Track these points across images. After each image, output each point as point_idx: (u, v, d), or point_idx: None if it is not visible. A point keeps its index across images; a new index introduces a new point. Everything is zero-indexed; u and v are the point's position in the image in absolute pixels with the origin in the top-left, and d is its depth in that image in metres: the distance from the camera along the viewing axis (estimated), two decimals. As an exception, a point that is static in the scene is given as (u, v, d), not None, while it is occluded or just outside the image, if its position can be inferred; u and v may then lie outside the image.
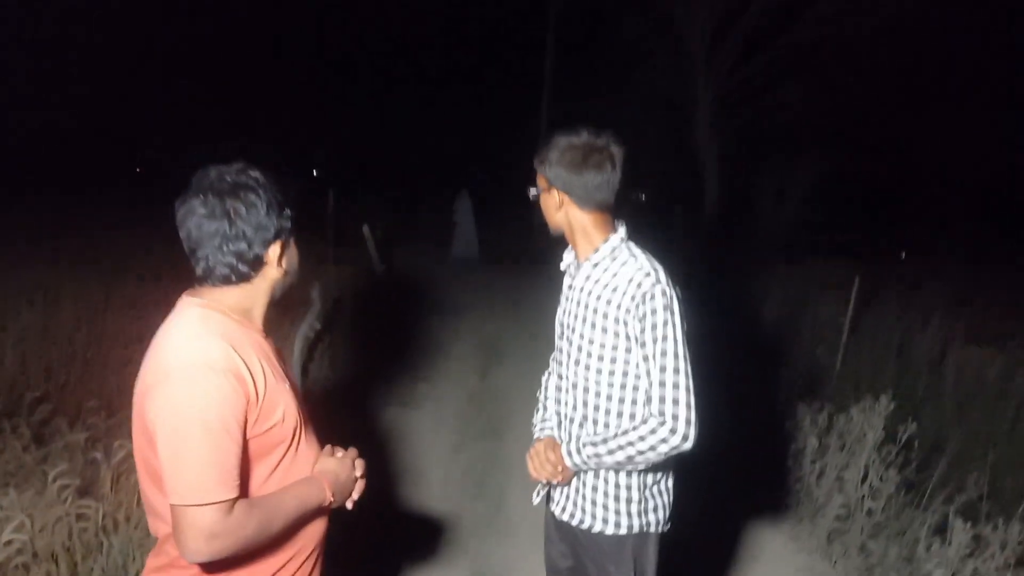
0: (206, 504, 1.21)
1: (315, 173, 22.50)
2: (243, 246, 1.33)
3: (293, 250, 1.45)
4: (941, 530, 2.99)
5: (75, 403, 5.09)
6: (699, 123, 13.80)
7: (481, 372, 6.23)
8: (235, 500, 1.25)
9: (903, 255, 13.75)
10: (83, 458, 3.56)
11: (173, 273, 8.45)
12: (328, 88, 22.21)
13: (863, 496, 3.37)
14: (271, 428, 1.36)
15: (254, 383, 1.31)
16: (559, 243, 1.90)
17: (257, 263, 1.37)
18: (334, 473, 1.48)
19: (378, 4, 21.04)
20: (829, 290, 7.76)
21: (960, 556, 2.66)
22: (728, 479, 3.95)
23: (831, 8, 12.06)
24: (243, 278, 1.38)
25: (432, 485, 3.96)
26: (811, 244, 11.87)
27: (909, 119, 15.74)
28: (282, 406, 1.38)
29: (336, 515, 1.61)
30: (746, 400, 4.72)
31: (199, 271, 1.36)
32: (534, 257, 12.85)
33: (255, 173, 1.36)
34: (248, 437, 1.31)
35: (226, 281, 1.37)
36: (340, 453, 1.56)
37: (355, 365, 5.74)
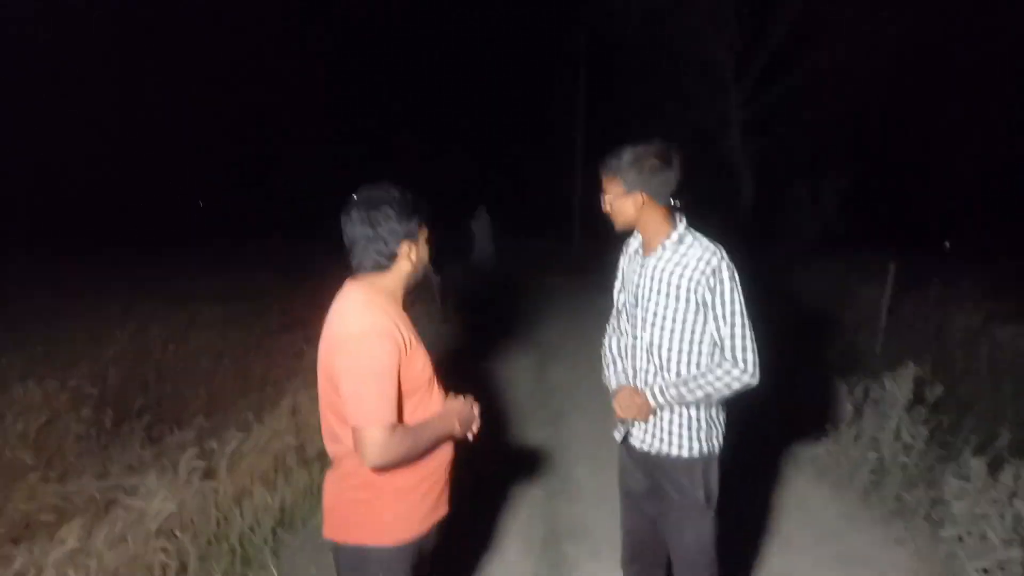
0: (379, 426, 1.71)
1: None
2: (381, 244, 1.84)
3: (423, 248, 1.94)
4: (967, 478, 3.30)
5: (174, 410, 5.68)
6: (732, 135, 14.17)
7: (539, 368, 6.65)
8: (395, 425, 1.75)
9: (946, 244, 13.80)
10: (196, 450, 4.03)
11: (243, 297, 9.17)
12: (371, 113, 22.96)
13: (895, 452, 3.70)
14: (415, 376, 1.86)
15: (404, 343, 1.81)
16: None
17: (392, 256, 1.87)
18: (459, 410, 1.98)
19: (414, 29, 21.84)
20: (867, 281, 7.99)
21: (978, 490, 2.99)
22: (775, 445, 4.32)
23: (847, 30, 12.36)
24: (383, 268, 1.88)
25: (508, 457, 4.39)
26: (848, 239, 12.05)
27: (937, 121, 15.83)
28: (420, 361, 1.89)
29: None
30: (792, 377, 5.06)
31: (354, 263, 1.89)
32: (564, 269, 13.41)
33: (394, 190, 1.87)
34: (401, 381, 1.80)
35: (372, 269, 1.88)
36: (461, 398, 2.04)
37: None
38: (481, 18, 20.68)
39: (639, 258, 2.31)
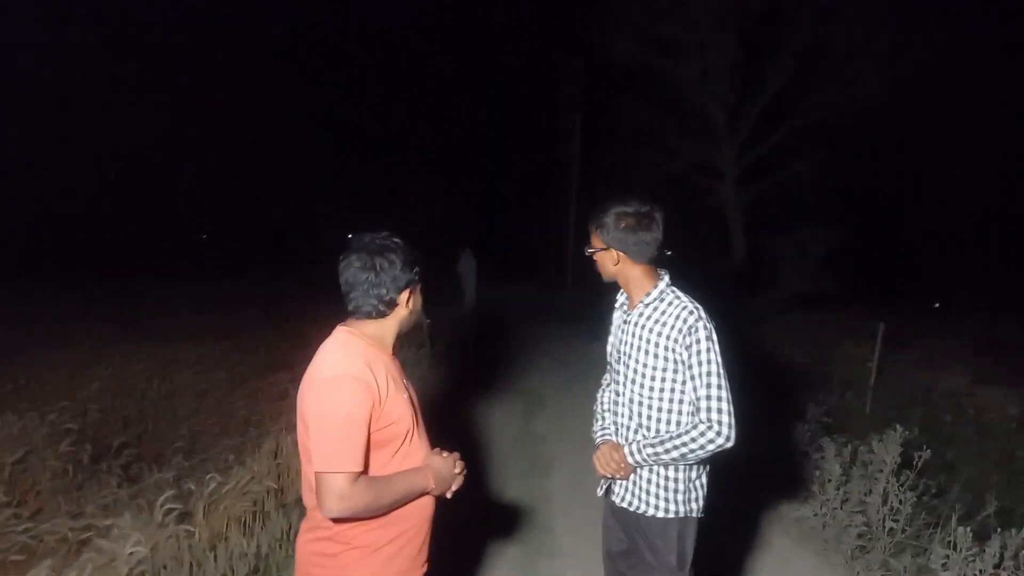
0: (339, 472, 1.67)
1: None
2: (383, 291, 1.84)
3: (418, 297, 1.95)
4: (955, 546, 3.27)
5: (154, 449, 5.58)
6: (726, 191, 14.41)
7: (524, 418, 6.60)
8: (360, 474, 1.71)
9: (935, 305, 13.94)
10: (174, 492, 3.95)
11: (228, 335, 9.11)
12: (354, 155, 23.17)
13: (883, 517, 3.67)
14: (388, 426, 1.82)
15: (379, 391, 1.78)
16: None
17: (392, 304, 1.87)
18: (437, 468, 1.92)
19: (405, 74, 22.21)
20: (854, 337, 8.05)
21: (964, 560, 2.96)
22: (762, 505, 4.27)
23: (828, 94, 12.72)
24: (380, 315, 1.87)
25: (485, 514, 4.31)
26: (829, 298, 12.18)
27: (923, 180, 16.20)
28: (398, 411, 1.85)
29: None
30: (776, 434, 5.05)
31: (351, 308, 1.88)
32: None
33: (396, 239, 1.88)
34: (372, 431, 1.77)
35: (368, 316, 1.87)
36: (445, 454, 2.00)
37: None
38: (480, 64, 21.11)
39: (623, 313, 2.34)
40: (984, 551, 2.97)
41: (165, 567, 3.19)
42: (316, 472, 1.68)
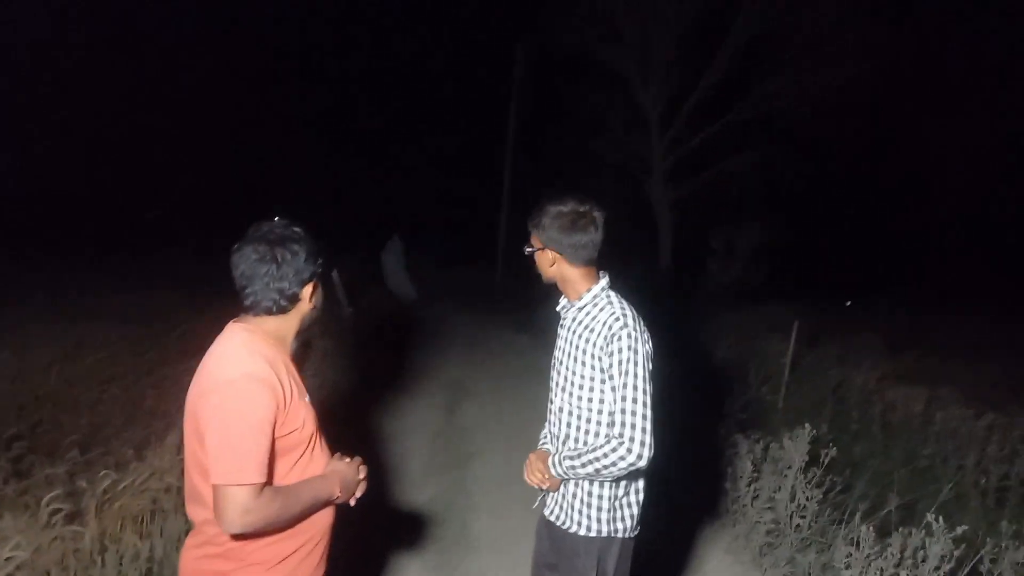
0: (243, 484, 1.54)
1: (276, 218, 22.71)
2: (284, 285, 1.70)
3: (320, 290, 1.82)
4: (857, 543, 3.35)
5: (49, 440, 5.24)
6: (655, 186, 14.55)
7: (448, 408, 6.51)
8: (263, 485, 1.58)
9: (847, 303, 14.48)
10: (66, 489, 3.71)
11: (142, 319, 8.68)
12: (292, 137, 22.55)
13: (791, 514, 3.74)
14: (292, 432, 1.70)
15: (284, 394, 1.65)
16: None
17: (294, 299, 1.74)
18: (343, 473, 1.82)
19: (340, 59, 21.68)
20: (773, 334, 8.24)
21: (867, 558, 3.03)
22: (673, 500, 4.30)
23: (773, 86, 12.97)
24: (281, 310, 1.74)
25: (400, 510, 4.22)
26: (757, 293, 12.48)
27: (850, 181, 16.81)
28: (301, 416, 1.73)
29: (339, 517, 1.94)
30: (693, 432, 5.10)
31: (247, 303, 1.73)
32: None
33: (297, 228, 1.74)
34: (275, 437, 1.64)
35: (268, 312, 1.73)
36: (348, 459, 1.89)
37: (325, 403, 5.97)
38: (415, 43, 20.74)
39: (562, 317, 2.26)
40: (886, 550, 3.03)
41: (48, 573, 2.98)
42: (215, 485, 1.54)
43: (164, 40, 19.85)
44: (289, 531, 1.72)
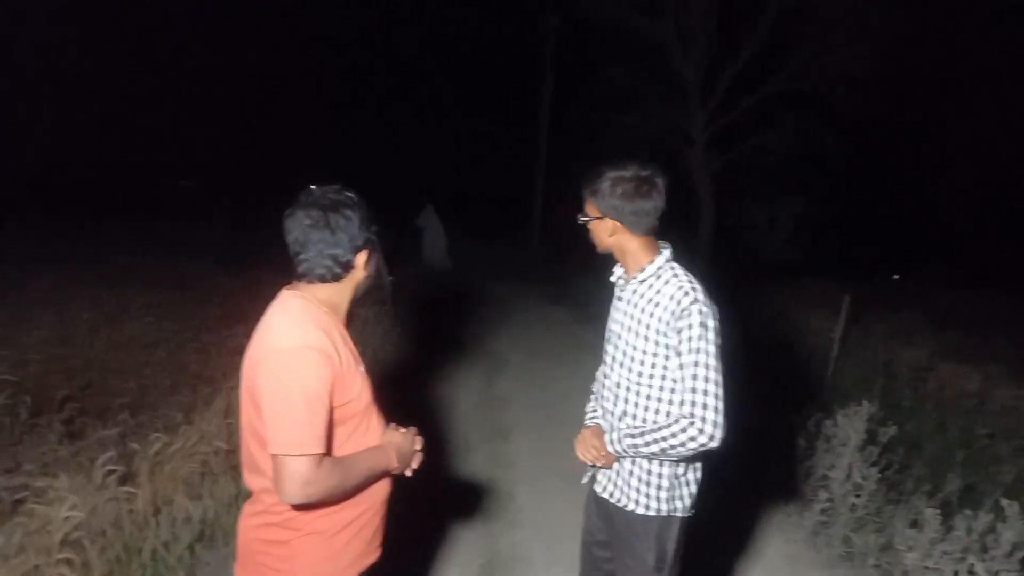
0: (302, 455, 1.49)
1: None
2: (339, 251, 1.63)
3: (376, 258, 1.75)
4: (917, 524, 3.25)
5: (98, 403, 5.32)
6: (695, 157, 14.25)
7: (487, 380, 6.49)
8: (323, 456, 1.54)
9: (894, 277, 14.15)
10: (119, 451, 3.76)
11: (183, 284, 8.77)
12: (327, 109, 22.57)
13: (846, 493, 3.64)
14: (349, 402, 1.64)
15: (340, 364, 1.60)
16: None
17: (348, 266, 1.67)
18: (398, 444, 1.77)
19: (376, 34, 21.52)
20: (820, 308, 8.06)
21: (930, 540, 2.93)
22: (725, 478, 4.22)
23: (815, 55, 12.57)
24: (336, 278, 1.68)
25: (444, 482, 4.20)
26: (802, 266, 12.21)
27: (895, 151, 16.30)
28: (357, 385, 1.68)
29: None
30: (737, 409, 5.00)
31: (300, 270, 1.67)
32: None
33: (351, 193, 1.68)
34: (332, 407, 1.59)
35: (322, 279, 1.66)
36: (403, 430, 1.84)
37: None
38: (447, 13, 20.49)
39: (618, 289, 2.15)
40: (950, 532, 2.93)
41: (104, 533, 3.01)
42: (274, 455, 1.50)
43: (202, 12, 19.80)
44: (347, 502, 1.68)
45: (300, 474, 1.49)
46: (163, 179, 20.84)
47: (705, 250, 13.76)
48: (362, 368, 1.73)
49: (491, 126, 21.75)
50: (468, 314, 9.38)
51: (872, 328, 7.86)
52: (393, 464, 1.74)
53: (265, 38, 20.84)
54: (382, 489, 1.80)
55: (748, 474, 4.29)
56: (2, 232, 13.17)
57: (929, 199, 18.17)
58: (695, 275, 2.00)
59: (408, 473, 1.84)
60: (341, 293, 1.71)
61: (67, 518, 2.89)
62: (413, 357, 6.76)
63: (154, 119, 20.60)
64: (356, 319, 6.87)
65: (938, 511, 3.01)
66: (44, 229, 14.02)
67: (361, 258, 1.69)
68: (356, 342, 1.79)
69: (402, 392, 5.83)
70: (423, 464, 1.88)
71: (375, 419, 1.77)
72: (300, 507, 1.59)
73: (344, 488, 1.60)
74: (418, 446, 1.84)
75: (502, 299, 11.01)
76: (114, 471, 3.33)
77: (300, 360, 1.52)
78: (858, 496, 3.64)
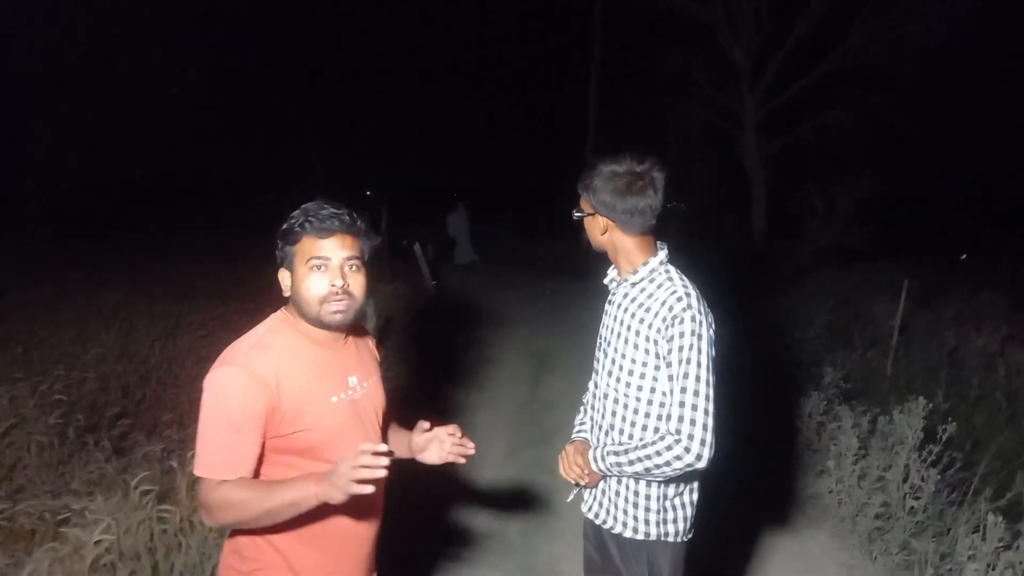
0: (204, 477, 1.48)
1: (368, 192, 23.13)
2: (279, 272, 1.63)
3: (301, 280, 1.57)
4: (981, 530, 3.01)
5: (151, 418, 5.45)
6: (747, 141, 13.82)
7: (532, 382, 6.39)
8: (222, 481, 1.47)
9: (962, 256, 13.42)
10: (160, 467, 3.81)
11: (240, 296, 8.96)
12: (378, 113, 22.79)
13: (904, 495, 3.41)
14: (294, 434, 1.54)
15: (279, 391, 1.50)
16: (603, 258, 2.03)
17: (284, 287, 1.62)
18: (332, 470, 1.42)
19: (423, 31, 21.58)
20: (880, 295, 7.69)
21: (995, 550, 2.70)
22: (769, 479, 4.03)
23: (867, 35, 12.03)
24: (288, 298, 1.64)
25: (485, 488, 4.13)
26: (861, 253, 11.71)
27: (963, 129, 15.45)
28: (314, 417, 1.55)
29: (393, 511, 1.81)
30: (790, 402, 4.78)
31: None
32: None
33: (297, 210, 1.60)
34: (269, 435, 1.52)
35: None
36: (424, 430, 1.76)
37: (409, 376, 5.97)
38: (492, 7, 20.38)
39: (611, 292, 2.01)
40: (1017, 539, 2.69)
41: (138, 556, 3.04)
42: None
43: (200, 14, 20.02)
44: (302, 538, 1.58)
45: (202, 497, 1.48)
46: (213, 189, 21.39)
47: (759, 238, 13.34)
48: (338, 397, 1.63)
49: (538, 119, 21.56)
50: (515, 314, 9.30)
51: (941, 314, 7.44)
52: (312, 492, 1.41)
53: (292, 37, 21.10)
54: (352, 527, 1.66)
55: (800, 475, 4.09)
56: (65, 243, 13.77)
57: (1005, 173, 17.18)
58: (691, 280, 1.85)
59: (367, 490, 1.41)
60: (297, 312, 1.62)
61: (98, 541, 2.91)
62: (459, 359, 6.73)
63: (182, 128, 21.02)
64: (398, 324, 6.89)
65: (1002, 516, 2.76)
66: (98, 242, 14.62)
67: (280, 278, 1.62)
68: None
69: (447, 394, 5.81)
70: (460, 467, 1.77)
71: (347, 449, 1.65)
72: (242, 534, 1.56)
73: (251, 514, 1.45)
74: (360, 463, 1.40)
75: (550, 299, 10.88)
76: (151, 490, 3.35)
77: (228, 382, 1.49)
78: (917, 499, 3.40)
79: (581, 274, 12.95)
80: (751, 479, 3.70)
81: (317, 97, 22.35)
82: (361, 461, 1.36)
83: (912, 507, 3.39)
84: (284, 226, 1.59)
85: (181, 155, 20.75)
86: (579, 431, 2.14)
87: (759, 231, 13.69)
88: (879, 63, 12.30)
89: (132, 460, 4.22)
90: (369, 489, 1.36)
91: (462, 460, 1.73)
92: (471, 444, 1.73)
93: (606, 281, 2.04)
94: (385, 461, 1.37)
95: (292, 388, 1.53)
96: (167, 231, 16.78)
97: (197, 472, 1.48)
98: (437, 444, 1.75)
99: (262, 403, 1.48)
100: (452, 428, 1.74)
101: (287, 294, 1.62)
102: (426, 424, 1.76)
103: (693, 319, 1.73)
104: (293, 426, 1.53)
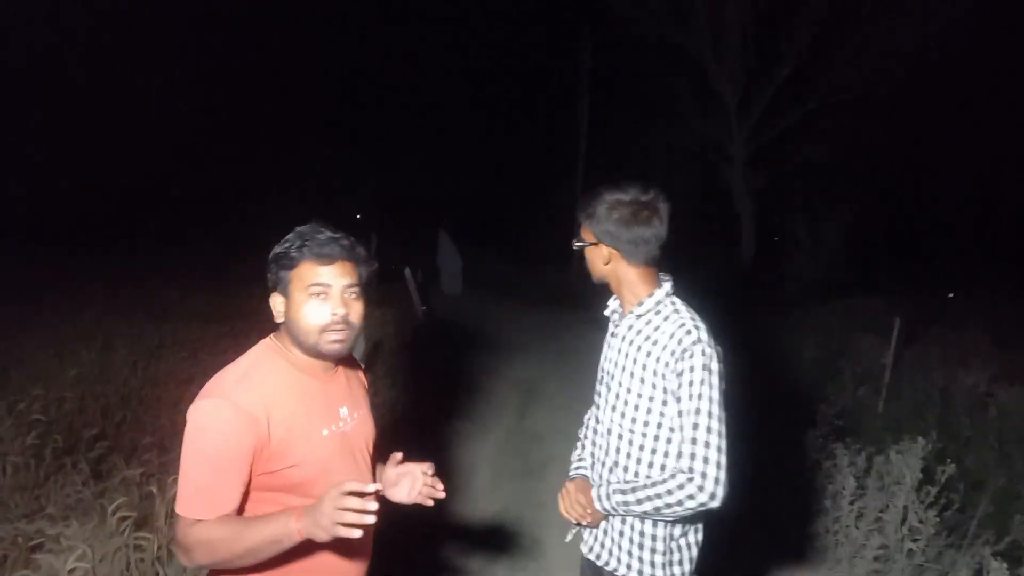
0: (182, 515, 1.40)
1: (359, 216, 23.09)
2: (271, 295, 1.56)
3: (295, 306, 1.52)
4: (981, 572, 2.96)
5: (131, 441, 5.30)
6: (734, 171, 13.96)
7: (519, 412, 6.30)
8: (198, 521, 1.39)
9: (950, 295, 13.54)
10: (139, 492, 3.70)
11: (224, 317, 8.83)
12: (366, 134, 22.84)
13: (902, 537, 3.35)
14: (283, 470, 1.47)
15: (268, 426, 1.43)
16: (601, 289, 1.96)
17: (277, 313, 1.56)
18: (314, 505, 1.34)
19: (411, 55, 21.73)
20: (869, 330, 7.70)
21: (998, 596, 2.65)
22: (764, 520, 3.96)
23: (854, 69, 12.26)
24: (280, 325, 1.58)
25: (469, 522, 4.03)
26: (849, 284, 11.77)
27: (941, 163, 15.74)
28: (302, 453, 1.48)
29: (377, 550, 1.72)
30: (783, 440, 4.73)
31: None
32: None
33: (290, 233, 1.55)
34: (256, 472, 1.45)
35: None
36: (399, 466, 1.66)
37: (395, 404, 5.87)
38: (485, 34, 20.55)
39: (612, 324, 1.96)
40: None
41: (112, 584, 2.92)
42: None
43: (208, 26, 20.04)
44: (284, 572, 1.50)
45: (179, 535, 1.41)
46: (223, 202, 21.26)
47: (746, 270, 13.39)
48: (328, 430, 1.56)
49: (526, 145, 21.63)
50: (502, 343, 9.23)
51: (928, 349, 7.46)
52: (294, 529, 1.33)
53: (284, 50, 21.16)
54: (340, 565, 1.57)
55: (792, 515, 4.02)
56: (37, 259, 13.54)
57: (989, 207, 17.46)
58: (698, 312, 1.80)
59: (355, 534, 1.33)
60: (289, 340, 1.56)
61: (72, 570, 2.79)
62: (446, 387, 6.63)
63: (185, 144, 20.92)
64: (386, 350, 6.80)
65: (1003, 564, 2.71)
66: (77, 255, 14.40)
67: (273, 303, 1.55)
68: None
69: (433, 423, 5.71)
70: (443, 500, 1.65)
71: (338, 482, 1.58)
72: (219, 572, 1.48)
73: (229, 554, 1.37)
74: (342, 505, 1.33)
75: (539, 323, 10.84)
76: (128, 516, 3.24)
77: (212, 416, 1.41)
78: (915, 541, 3.35)
79: (570, 302, 12.98)
80: (746, 518, 3.62)
81: (309, 112, 22.38)
82: (347, 503, 1.26)
83: (911, 549, 3.33)
84: (278, 249, 1.53)
85: (161, 168, 20.61)
86: (577, 467, 2.07)
87: (746, 262, 13.75)
88: (864, 96, 12.49)
89: (110, 484, 4.09)
90: (357, 533, 1.27)
91: (430, 503, 1.64)
92: (441, 486, 1.64)
93: (607, 312, 1.98)
94: (374, 505, 1.27)
95: (281, 422, 1.45)
96: (149, 247, 16.58)
97: (178, 510, 1.41)
98: (410, 480, 1.65)
99: (249, 439, 1.40)
100: (427, 466, 1.65)
101: (279, 320, 1.55)
102: (399, 456, 1.64)
103: (704, 352, 1.68)
104: (282, 462, 1.46)
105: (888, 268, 14.37)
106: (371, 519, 1.27)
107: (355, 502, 1.26)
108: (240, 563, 1.40)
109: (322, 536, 1.30)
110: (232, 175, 21.65)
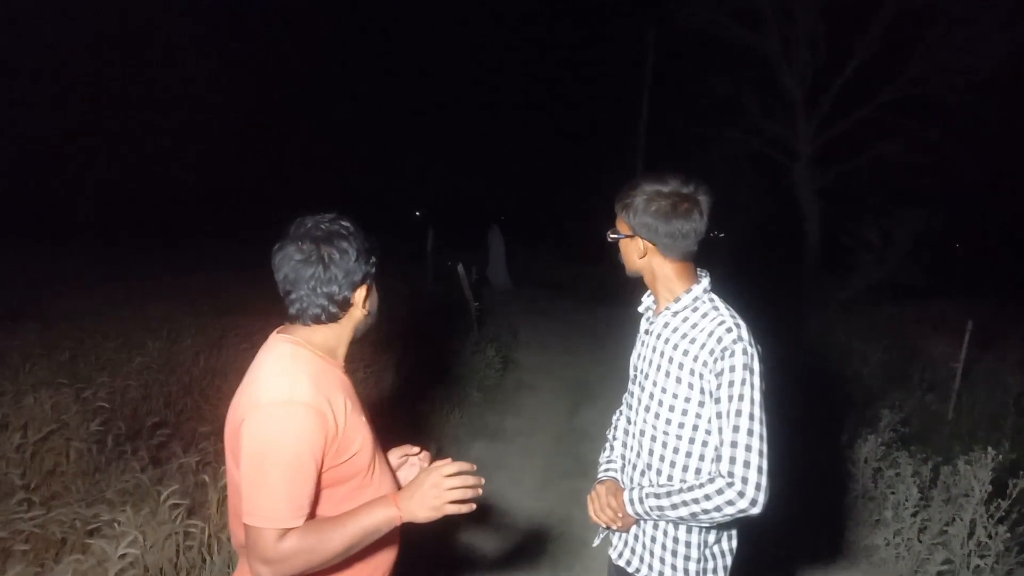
0: (269, 528, 1.34)
1: (417, 213, 23.32)
2: (334, 288, 1.47)
3: (375, 293, 1.58)
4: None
5: (190, 429, 5.45)
6: (800, 173, 13.54)
7: (571, 411, 6.24)
8: (289, 529, 1.36)
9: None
10: (194, 480, 3.77)
11: (283, 311, 9.03)
12: (427, 134, 23.06)
13: (969, 553, 3.17)
14: (348, 459, 1.47)
15: (335, 418, 1.42)
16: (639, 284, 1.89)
17: (345, 304, 1.51)
18: (416, 485, 1.43)
19: (472, 55, 21.83)
20: (939, 335, 7.35)
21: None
22: (817, 528, 3.80)
23: (926, 66, 11.71)
24: (332, 318, 1.51)
25: (516, 521, 4.00)
26: (920, 287, 11.26)
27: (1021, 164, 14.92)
28: (359, 439, 1.50)
29: (410, 544, 1.70)
30: (842, 446, 4.54)
31: (293, 311, 1.51)
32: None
33: (346, 223, 1.51)
34: (325, 468, 1.43)
35: (316, 320, 1.50)
36: (415, 451, 1.71)
37: (446, 399, 5.88)
38: (545, 35, 20.50)
39: (646, 321, 1.87)
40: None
41: (161, 572, 2.99)
42: (245, 523, 1.36)
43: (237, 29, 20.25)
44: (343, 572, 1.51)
45: (263, 549, 1.34)
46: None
47: (811, 271, 12.98)
48: (364, 418, 1.57)
49: (587, 144, 21.53)
50: (553, 339, 9.17)
51: (1004, 356, 7.07)
52: (395, 514, 1.41)
53: (350, 55, 21.42)
54: (386, 555, 1.60)
55: (853, 525, 3.85)
56: (113, 251, 14.08)
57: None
58: (737, 309, 1.71)
59: (463, 509, 1.46)
60: (338, 335, 1.55)
61: (123, 555, 2.87)
62: (494, 383, 6.62)
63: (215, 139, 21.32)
64: (435, 346, 6.82)
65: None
66: (151, 249, 14.91)
67: (360, 295, 1.52)
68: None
69: (484, 419, 5.70)
70: (490, 497, 1.65)
71: (382, 474, 1.60)
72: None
73: (324, 559, 1.38)
74: (449, 472, 1.44)
75: (593, 325, 10.71)
76: (180, 504, 3.31)
77: (284, 418, 1.36)
78: (983, 557, 3.16)
79: (622, 300, 12.81)
80: (798, 526, 3.48)
81: (370, 115, 22.72)
82: (453, 483, 1.39)
83: (978, 565, 3.15)
84: (367, 243, 1.52)
85: (224, 166, 21.13)
86: (607, 470, 1.99)
87: (812, 263, 13.33)
88: (938, 94, 11.96)
89: (167, 471, 4.21)
90: (468, 508, 1.41)
91: (470, 507, 1.59)
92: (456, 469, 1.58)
93: (641, 309, 1.91)
94: (480, 480, 1.43)
95: (340, 413, 1.45)
96: (213, 241, 17.11)
97: (257, 524, 1.34)
98: (408, 467, 1.74)
99: (321, 437, 1.39)
100: (424, 455, 1.73)
101: (365, 309, 1.57)
102: (414, 449, 1.74)
103: (745, 352, 1.58)
104: (347, 452, 1.46)
105: (962, 272, 13.72)
106: (479, 492, 1.41)
107: (463, 479, 1.40)
108: (333, 563, 1.41)
109: (430, 517, 1.42)
110: (301, 175, 22.17)
